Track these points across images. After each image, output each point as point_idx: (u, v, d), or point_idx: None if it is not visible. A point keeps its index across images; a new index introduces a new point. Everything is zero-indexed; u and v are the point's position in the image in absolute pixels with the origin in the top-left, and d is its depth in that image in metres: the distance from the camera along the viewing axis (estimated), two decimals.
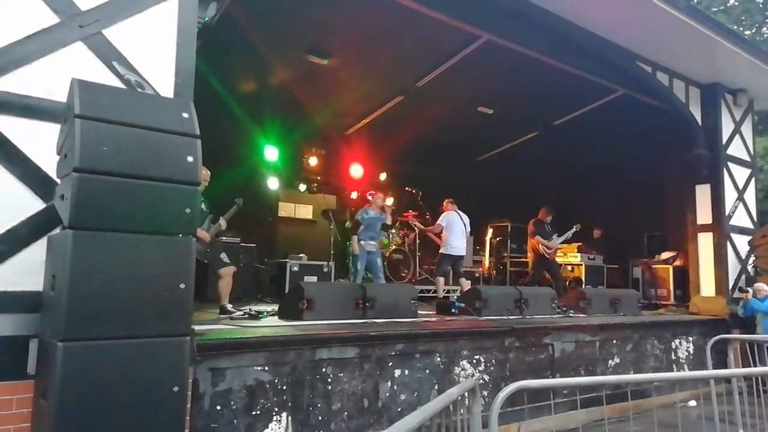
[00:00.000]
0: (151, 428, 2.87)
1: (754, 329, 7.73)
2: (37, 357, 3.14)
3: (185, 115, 3.19)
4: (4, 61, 3.26)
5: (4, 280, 3.17)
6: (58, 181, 3.15)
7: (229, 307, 5.59)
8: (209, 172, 5.74)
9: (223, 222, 5.85)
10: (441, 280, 8.26)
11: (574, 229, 9.18)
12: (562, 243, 9.30)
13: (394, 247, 9.92)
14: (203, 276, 6.75)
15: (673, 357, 7.55)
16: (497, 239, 11.83)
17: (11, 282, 3.19)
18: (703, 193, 9.00)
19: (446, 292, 9.77)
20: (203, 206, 5.72)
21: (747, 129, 9.69)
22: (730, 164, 9.15)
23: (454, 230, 8.14)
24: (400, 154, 11.28)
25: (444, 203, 8.58)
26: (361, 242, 7.76)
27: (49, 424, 2.66)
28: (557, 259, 9.75)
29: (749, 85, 9.12)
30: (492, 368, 5.45)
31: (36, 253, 3.24)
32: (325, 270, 8.88)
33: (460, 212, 8.35)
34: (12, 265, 3.21)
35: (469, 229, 8.40)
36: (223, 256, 5.69)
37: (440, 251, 8.29)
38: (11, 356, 3.14)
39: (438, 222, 8.33)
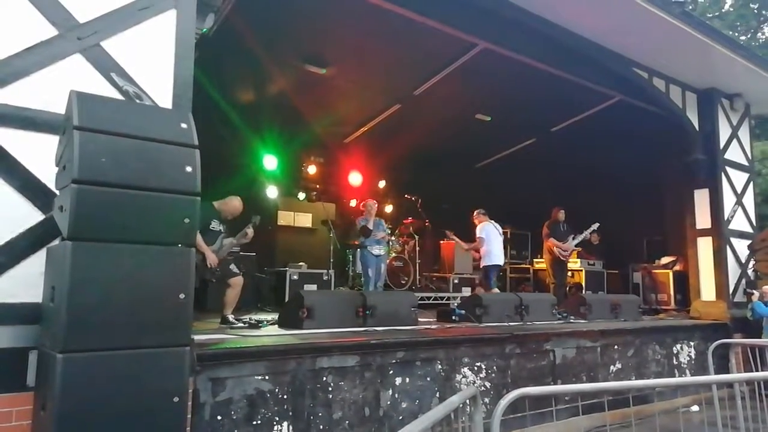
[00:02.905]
0: None
1: (758, 333, 7.70)
2: (36, 369, 3.13)
3: (184, 125, 3.20)
4: (3, 74, 3.27)
5: (3, 291, 3.17)
6: (57, 192, 3.15)
7: (231, 317, 5.58)
8: (241, 204, 5.80)
9: (233, 240, 5.79)
10: (496, 291, 8.18)
11: (592, 228, 8.99)
12: (578, 244, 9.12)
13: (393, 254, 9.92)
14: (203, 286, 6.74)
15: (675, 362, 7.53)
16: None
17: (10, 294, 3.18)
18: (701, 198, 9.02)
19: (447, 300, 9.77)
20: (222, 227, 5.68)
21: (744, 133, 9.72)
22: (728, 169, 9.17)
23: (494, 240, 8.17)
24: (399, 162, 11.30)
25: (476, 215, 8.51)
26: (369, 247, 7.81)
27: None
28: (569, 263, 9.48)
29: (745, 90, 9.16)
30: (493, 375, 5.44)
31: (35, 265, 3.24)
32: (325, 278, 8.88)
33: (492, 221, 8.37)
34: (11, 277, 3.21)
35: (502, 236, 8.42)
36: (233, 266, 5.69)
37: (484, 264, 8.22)
38: (10, 368, 3.13)
39: (478, 236, 8.29)
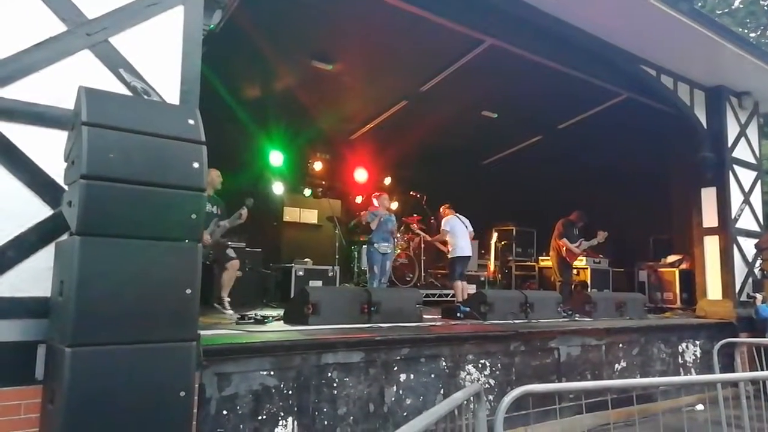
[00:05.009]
0: None
1: (762, 333, 7.68)
2: (45, 362, 3.16)
3: (191, 121, 3.21)
4: (12, 70, 3.29)
5: (12, 286, 3.19)
6: (66, 187, 3.17)
7: (226, 302, 5.66)
8: (219, 173, 5.82)
9: (226, 223, 5.90)
10: (459, 284, 8.18)
11: (600, 238, 8.91)
12: (587, 249, 9.08)
13: (398, 251, 9.92)
14: (209, 281, 6.78)
15: (680, 361, 7.51)
16: (502, 243, 11.83)
17: (19, 288, 3.21)
18: (708, 196, 8.97)
19: (451, 297, 9.76)
20: (216, 209, 5.78)
21: (752, 132, 9.65)
22: (735, 167, 9.10)
23: (458, 232, 8.15)
24: (405, 159, 11.30)
25: (442, 209, 8.54)
26: (375, 244, 7.79)
27: (56, 430, 2.68)
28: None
29: (754, 88, 9.08)
30: (497, 372, 5.45)
31: (44, 260, 3.26)
32: (330, 274, 8.90)
33: (458, 215, 8.36)
34: (20, 272, 3.23)
35: (471, 230, 8.38)
36: (230, 251, 5.81)
37: (450, 256, 8.23)
38: (19, 362, 3.16)
39: (442, 228, 8.32)
